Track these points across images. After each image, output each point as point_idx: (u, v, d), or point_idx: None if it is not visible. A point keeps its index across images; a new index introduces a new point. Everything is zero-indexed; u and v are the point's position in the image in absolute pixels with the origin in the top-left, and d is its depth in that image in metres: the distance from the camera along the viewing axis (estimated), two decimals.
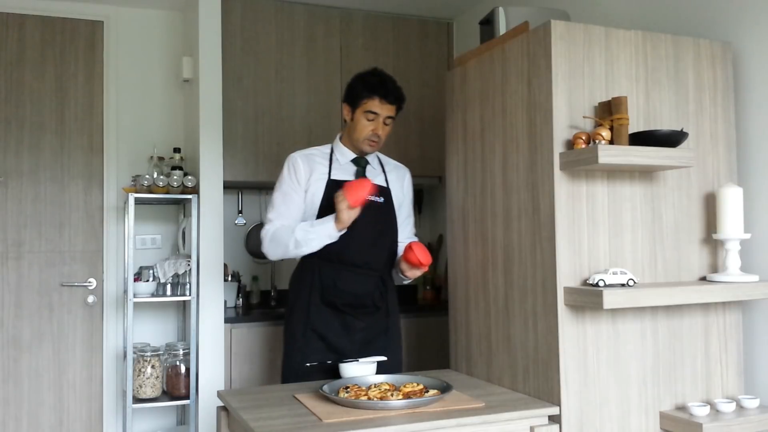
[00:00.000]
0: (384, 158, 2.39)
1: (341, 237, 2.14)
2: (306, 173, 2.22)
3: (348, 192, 2.05)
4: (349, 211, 2.06)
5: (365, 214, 2.16)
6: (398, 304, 2.36)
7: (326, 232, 2.12)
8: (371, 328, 2.23)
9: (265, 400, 1.82)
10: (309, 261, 2.21)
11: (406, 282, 2.33)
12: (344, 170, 2.25)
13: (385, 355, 2.17)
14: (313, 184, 2.21)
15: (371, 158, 2.31)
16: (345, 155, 2.27)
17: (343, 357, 2.13)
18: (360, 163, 2.27)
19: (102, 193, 3.43)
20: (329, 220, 2.11)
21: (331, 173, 2.23)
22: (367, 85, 2.18)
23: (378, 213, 2.23)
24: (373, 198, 2.20)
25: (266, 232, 2.21)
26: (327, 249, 2.16)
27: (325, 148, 2.31)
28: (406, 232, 2.37)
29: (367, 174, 2.26)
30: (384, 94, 2.17)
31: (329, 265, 2.18)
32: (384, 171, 2.33)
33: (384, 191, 2.27)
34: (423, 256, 2.12)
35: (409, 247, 2.14)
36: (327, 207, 2.17)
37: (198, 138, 3.12)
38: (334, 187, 2.18)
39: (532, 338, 1.86)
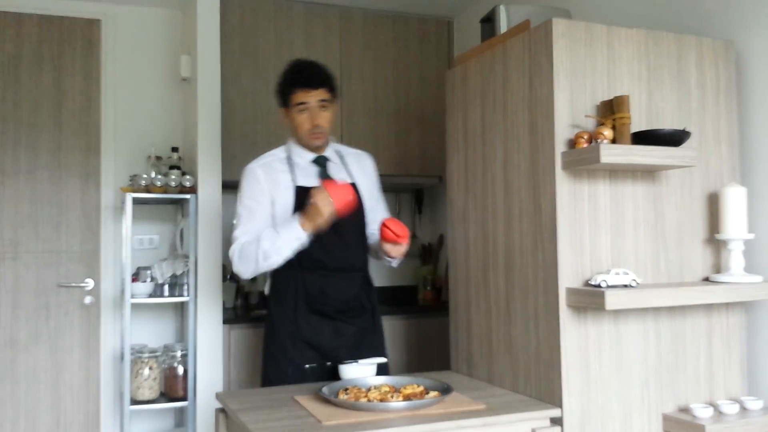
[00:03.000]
0: (342, 149, 2.28)
1: (320, 242, 2.06)
2: (270, 186, 2.12)
3: (335, 195, 1.93)
4: (329, 216, 1.95)
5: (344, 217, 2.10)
6: (378, 302, 2.30)
7: (294, 235, 1.99)
8: (360, 330, 2.19)
9: (263, 401, 1.80)
10: (289, 270, 2.11)
11: (395, 264, 2.23)
12: (307, 173, 2.16)
13: (376, 353, 2.14)
14: (279, 197, 2.11)
15: (329, 153, 2.22)
16: (303, 157, 2.18)
17: (336, 360, 2.09)
18: (320, 162, 2.19)
19: (99, 192, 3.41)
20: (294, 221, 2.00)
21: (295, 180, 2.14)
22: (285, 81, 2.13)
23: (354, 212, 2.14)
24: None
25: (233, 252, 2.09)
26: (308, 256, 2.08)
27: (280, 152, 2.20)
28: (379, 215, 2.26)
29: (330, 171, 2.18)
30: (304, 82, 2.09)
31: (313, 273, 2.11)
32: (345, 163, 2.24)
33: (351, 186, 2.15)
34: (398, 228, 2.00)
35: (383, 225, 2.02)
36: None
37: (196, 137, 3.11)
38: (302, 193, 2.10)
39: (534, 339, 1.84)
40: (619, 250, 1.83)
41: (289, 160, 2.18)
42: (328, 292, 2.12)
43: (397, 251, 2.09)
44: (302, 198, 2.07)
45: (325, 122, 2.13)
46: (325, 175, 2.17)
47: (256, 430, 1.54)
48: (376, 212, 2.28)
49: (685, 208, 1.93)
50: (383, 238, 2.03)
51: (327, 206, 1.94)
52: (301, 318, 2.12)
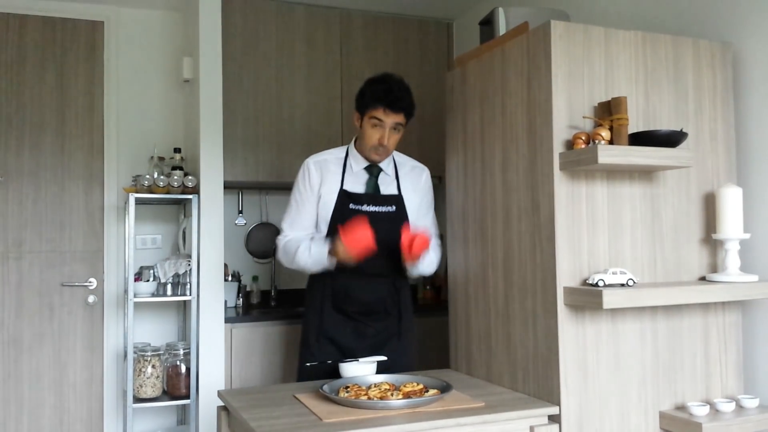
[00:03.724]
0: (401, 159, 2.34)
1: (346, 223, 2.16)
2: (317, 181, 2.22)
3: (349, 243, 2.02)
4: (351, 261, 2.07)
5: (377, 226, 2.15)
6: (412, 306, 2.36)
7: (320, 262, 2.16)
8: (383, 333, 2.26)
9: (265, 399, 1.82)
10: None
11: (415, 273, 2.28)
12: (356, 178, 2.24)
13: (397, 358, 2.18)
14: (324, 195, 2.21)
15: (385, 164, 2.28)
16: (358, 162, 2.25)
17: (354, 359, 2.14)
18: (373, 172, 2.25)
19: (102, 193, 3.44)
20: (324, 250, 2.13)
21: (344, 182, 2.22)
22: (373, 94, 2.15)
23: (389, 222, 2.22)
24: (383, 209, 2.21)
25: (279, 242, 2.30)
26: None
27: (340, 152, 2.29)
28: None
29: (380, 182, 2.25)
30: (389, 103, 2.12)
31: (341, 274, 2.18)
32: (398, 176, 2.30)
33: (395, 199, 2.25)
34: (416, 245, 2.07)
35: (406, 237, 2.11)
36: (338, 217, 2.19)
37: (198, 138, 3.13)
38: (344, 197, 2.20)
39: (532, 338, 1.86)
40: (616, 249, 1.85)
41: (346, 161, 2.25)
42: (350, 293, 2.21)
43: (412, 258, 2.13)
44: (345, 202, 2.19)
45: (392, 144, 2.20)
46: (373, 185, 2.24)
47: (257, 427, 1.56)
48: (419, 224, 2.33)
49: (681, 208, 1.95)
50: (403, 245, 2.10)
51: (345, 255, 2.05)
52: (325, 314, 2.23)
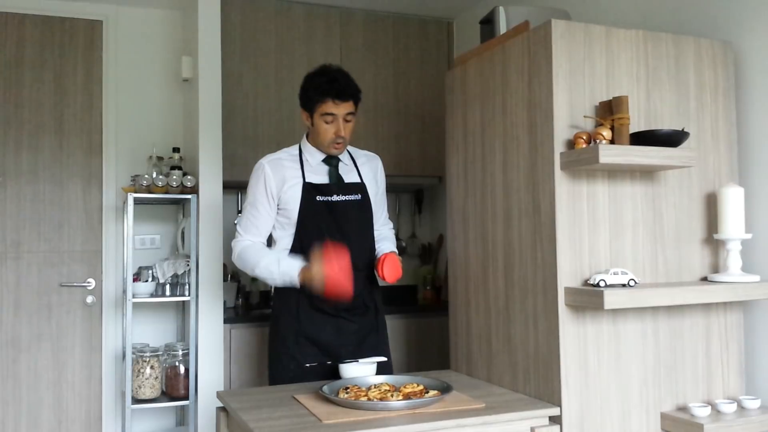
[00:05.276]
0: (354, 151, 2.33)
1: (326, 240, 2.13)
2: (277, 183, 2.16)
3: (330, 288, 2.02)
4: (319, 288, 2.05)
5: (347, 216, 2.17)
6: (383, 302, 2.35)
7: (289, 278, 2.10)
8: (363, 328, 2.23)
9: (264, 400, 1.82)
10: None
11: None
12: (316, 172, 2.20)
13: (378, 353, 2.16)
14: (287, 192, 2.16)
15: (341, 155, 2.25)
16: (315, 156, 2.21)
17: (338, 359, 2.10)
18: (331, 163, 2.22)
19: (101, 193, 3.43)
20: (295, 270, 2.08)
21: (305, 176, 2.18)
22: (317, 88, 2.11)
23: (358, 211, 2.21)
24: (350, 197, 2.20)
25: (234, 246, 2.21)
26: (312, 253, 2.14)
27: (293, 150, 2.25)
28: (381, 219, 2.36)
29: (340, 171, 2.23)
30: (336, 93, 2.09)
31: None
32: (356, 165, 2.28)
33: (359, 187, 2.24)
34: (389, 272, 2.14)
35: (379, 260, 2.17)
36: (306, 210, 2.15)
37: (197, 138, 3.12)
38: (310, 190, 2.16)
39: (533, 338, 1.85)
40: (617, 249, 1.84)
41: (301, 158, 2.22)
42: None
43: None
44: (311, 194, 2.15)
45: (348, 134, 2.16)
46: (335, 175, 2.22)
47: (257, 428, 1.55)
48: (378, 215, 2.33)
49: (683, 208, 1.95)
50: (378, 268, 2.17)
51: (318, 290, 2.04)
52: (302, 314, 2.17)
